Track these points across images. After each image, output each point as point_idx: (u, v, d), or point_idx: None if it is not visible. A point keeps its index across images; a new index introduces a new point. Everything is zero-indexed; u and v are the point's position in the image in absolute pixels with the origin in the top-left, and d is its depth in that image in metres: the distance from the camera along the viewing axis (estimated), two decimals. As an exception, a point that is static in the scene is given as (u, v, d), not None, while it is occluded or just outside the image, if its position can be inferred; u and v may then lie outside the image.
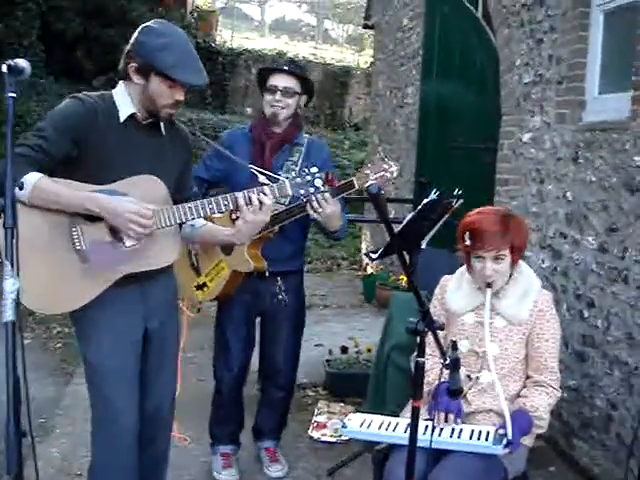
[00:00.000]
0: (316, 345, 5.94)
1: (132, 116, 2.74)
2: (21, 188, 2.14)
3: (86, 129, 2.64)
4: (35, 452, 2.10)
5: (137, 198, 2.66)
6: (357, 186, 3.27)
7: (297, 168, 3.60)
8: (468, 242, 2.86)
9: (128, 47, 2.70)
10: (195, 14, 19.11)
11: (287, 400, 4.04)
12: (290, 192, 2.85)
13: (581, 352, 4.13)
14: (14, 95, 1.93)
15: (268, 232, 3.45)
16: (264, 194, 2.78)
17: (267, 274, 3.67)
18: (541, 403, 2.81)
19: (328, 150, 3.96)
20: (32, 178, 2.51)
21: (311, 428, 4.52)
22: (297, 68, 3.72)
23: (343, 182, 3.29)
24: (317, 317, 7.21)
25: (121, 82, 2.78)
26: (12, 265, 1.83)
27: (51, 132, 2.60)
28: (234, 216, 3.46)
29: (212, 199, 2.78)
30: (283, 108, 3.65)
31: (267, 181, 2.98)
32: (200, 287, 3.69)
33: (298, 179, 2.85)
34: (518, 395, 2.88)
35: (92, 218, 2.63)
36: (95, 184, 2.64)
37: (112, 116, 2.71)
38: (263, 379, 4.08)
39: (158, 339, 2.92)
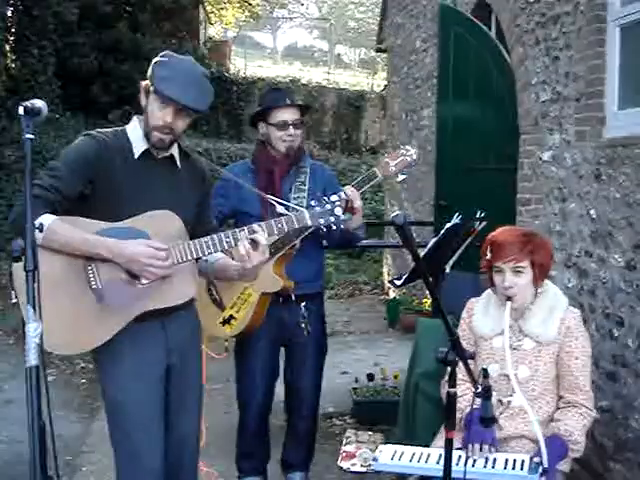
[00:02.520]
0: (342, 373, 5.89)
1: (147, 151, 2.73)
2: (41, 230, 2.13)
3: (100, 167, 2.62)
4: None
5: (152, 234, 2.63)
6: (380, 174, 3.40)
7: (306, 187, 3.59)
8: (489, 255, 2.84)
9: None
10: (208, 45, 19.29)
11: (313, 430, 3.98)
12: (310, 222, 2.72)
13: (612, 372, 4.05)
14: (32, 137, 1.90)
15: (290, 248, 3.43)
16: (281, 225, 2.71)
17: (293, 297, 3.60)
18: (576, 426, 2.75)
19: (330, 170, 3.97)
20: (46, 220, 2.48)
21: (340, 458, 4.45)
22: (294, 97, 3.77)
23: (366, 174, 3.37)
24: (341, 344, 7.16)
25: (135, 117, 2.77)
26: (34, 309, 1.80)
27: (65, 171, 2.59)
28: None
29: (229, 232, 2.70)
30: (294, 140, 3.66)
31: (285, 211, 2.84)
32: (227, 321, 3.57)
33: (317, 208, 2.73)
34: (551, 418, 2.82)
35: None
36: (112, 220, 2.62)
37: (126, 152, 2.70)
38: (288, 410, 4.02)
39: (179, 375, 2.86)
